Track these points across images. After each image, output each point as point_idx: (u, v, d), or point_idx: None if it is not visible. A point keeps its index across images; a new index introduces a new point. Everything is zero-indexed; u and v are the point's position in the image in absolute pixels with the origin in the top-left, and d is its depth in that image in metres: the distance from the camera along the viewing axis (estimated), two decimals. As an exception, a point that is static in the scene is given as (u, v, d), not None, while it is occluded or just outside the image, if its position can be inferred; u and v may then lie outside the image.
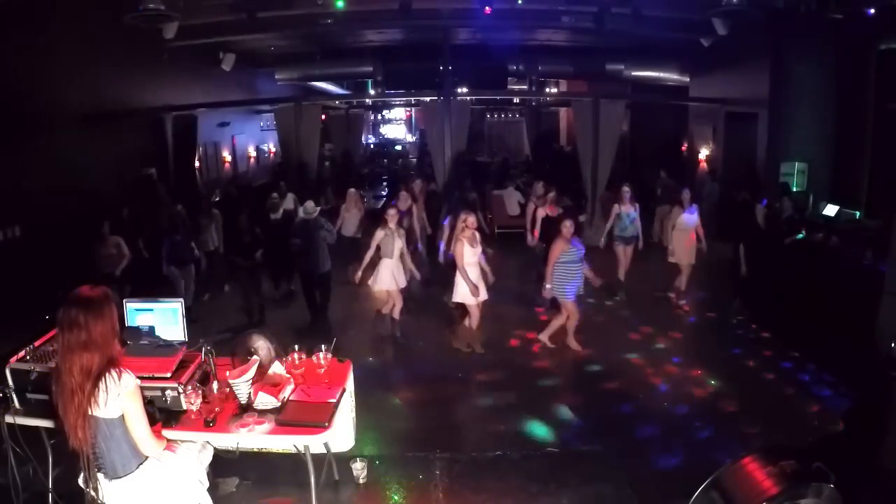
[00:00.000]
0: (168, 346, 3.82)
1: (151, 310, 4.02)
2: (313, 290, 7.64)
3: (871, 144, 9.76)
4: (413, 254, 7.92)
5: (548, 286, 6.74)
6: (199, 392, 3.67)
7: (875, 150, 9.71)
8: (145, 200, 10.18)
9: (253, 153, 17.57)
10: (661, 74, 14.04)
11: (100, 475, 2.97)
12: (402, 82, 16.12)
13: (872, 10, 8.57)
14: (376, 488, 4.39)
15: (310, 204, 7.63)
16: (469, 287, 6.54)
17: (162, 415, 3.48)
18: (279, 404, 3.68)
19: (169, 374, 3.59)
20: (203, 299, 8.69)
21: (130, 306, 4.01)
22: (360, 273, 6.99)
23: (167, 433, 3.42)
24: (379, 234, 6.92)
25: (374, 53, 15.15)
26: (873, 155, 9.74)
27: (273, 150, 18.55)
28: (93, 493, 3.00)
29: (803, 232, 8.31)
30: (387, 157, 24.60)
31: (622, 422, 5.47)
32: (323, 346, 4.20)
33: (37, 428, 3.65)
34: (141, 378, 3.02)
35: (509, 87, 18.03)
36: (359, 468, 4.40)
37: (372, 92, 19.04)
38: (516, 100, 21.45)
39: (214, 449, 3.75)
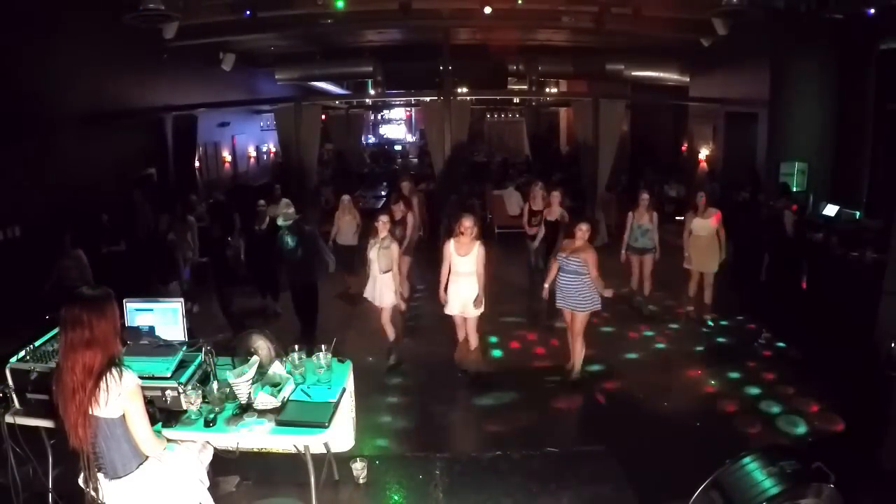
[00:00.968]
0: (168, 346, 3.82)
1: (151, 310, 4.02)
2: (299, 302, 7.22)
3: (871, 144, 9.76)
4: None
5: (545, 285, 6.37)
6: (199, 392, 3.68)
7: (875, 150, 9.72)
8: (129, 205, 9.68)
9: (253, 153, 17.57)
10: (661, 74, 14.04)
11: (100, 475, 2.97)
12: (402, 82, 16.14)
13: (872, 10, 8.57)
14: (376, 488, 4.39)
15: (288, 210, 7.18)
16: (441, 292, 6.10)
17: (162, 415, 3.48)
18: (279, 404, 3.68)
19: (169, 374, 3.59)
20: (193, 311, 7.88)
21: (130, 306, 4.02)
22: (364, 289, 6.56)
23: (167, 433, 3.42)
24: (368, 245, 6.48)
25: (374, 53, 15.15)
26: (873, 155, 9.74)
27: (273, 150, 18.56)
28: (93, 493, 3.00)
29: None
30: (387, 157, 24.58)
31: (622, 422, 5.48)
32: (323, 346, 4.20)
33: (37, 428, 3.66)
34: (141, 378, 3.03)
35: (509, 87, 18.03)
36: (359, 468, 4.40)
37: (372, 92, 19.05)
38: (516, 100, 21.44)
39: (214, 449, 3.75)
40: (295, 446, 3.69)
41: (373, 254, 6.33)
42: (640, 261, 7.95)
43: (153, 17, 8.22)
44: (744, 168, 11.30)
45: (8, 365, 3.62)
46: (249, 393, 3.71)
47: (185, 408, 3.59)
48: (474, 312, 6.06)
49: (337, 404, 3.77)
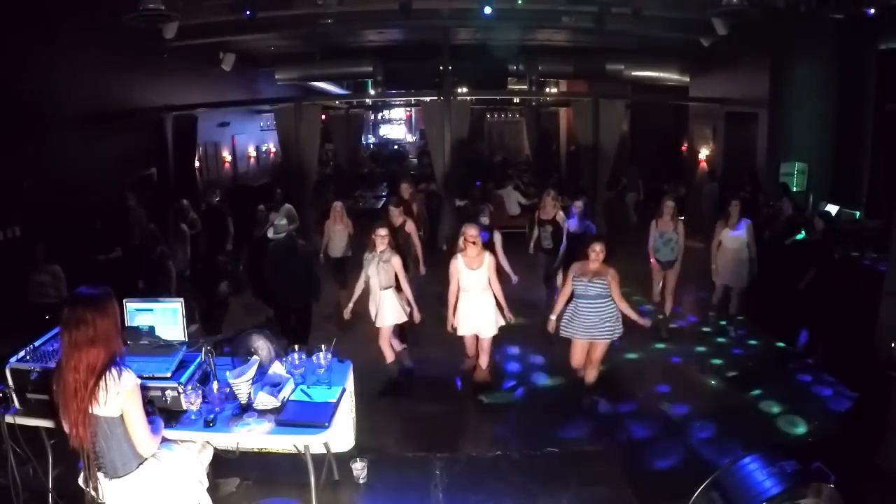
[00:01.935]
0: (168, 346, 3.83)
1: (151, 310, 4.03)
2: (288, 322, 6.65)
3: (871, 144, 9.75)
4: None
5: (552, 317, 5.61)
6: (199, 392, 3.68)
7: (875, 150, 9.71)
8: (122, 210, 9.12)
9: (253, 153, 17.57)
10: (661, 74, 14.04)
11: (100, 475, 2.97)
12: (402, 82, 16.12)
13: (872, 10, 8.56)
14: (376, 488, 4.40)
15: (281, 223, 6.64)
16: (449, 315, 5.66)
17: (162, 415, 3.48)
18: (279, 404, 3.68)
19: (169, 374, 3.59)
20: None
21: (130, 306, 4.02)
22: (350, 307, 5.91)
23: (167, 433, 3.42)
24: (364, 259, 5.86)
25: (374, 53, 15.14)
26: (873, 155, 9.73)
27: (273, 150, 18.55)
28: (93, 492, 3.01)
29: (803, 232, 8.26)
30: (387, 157, 24.59)
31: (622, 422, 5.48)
32: (323, 346, 4.20)
33: (37, 428, 3.66)
34: (141, 378, 3.03)
35: (509, 87, 18.02)
36: (359, 468, 4.40)
37: (372, 92, 19.04)
38: (516, 100, 21.45)
39: (214, 449, 3.76)
40: (295, 446, 3.69)
41: (372, 270, 5.70)
42: (664, 274, 7.28)
43: (153, 17, 8.21)
44: (744, 168, 11.29)
45: (8, 365, 3.62)
46: (249, 393, 3.72)
47: (185, 408, 3.59)
48: (489, 332, 5.69)
49: (337, 404, 3.77)
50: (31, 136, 8.06)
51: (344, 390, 4.00)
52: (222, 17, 10.00)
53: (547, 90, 20.15)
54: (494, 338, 5.89)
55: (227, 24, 10.24)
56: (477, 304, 5.64)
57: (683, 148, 14.54)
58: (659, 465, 4.76)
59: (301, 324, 6.65)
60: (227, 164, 15.52)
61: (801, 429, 5.27)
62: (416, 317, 5.94)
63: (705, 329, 7.67)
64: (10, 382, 3.60)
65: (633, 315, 5.47)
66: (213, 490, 3.72)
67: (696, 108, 13.30)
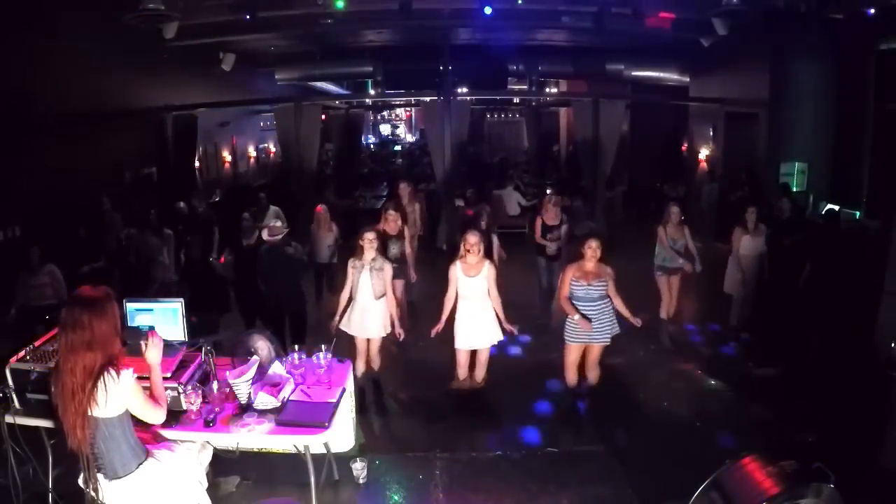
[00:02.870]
0: (168, 346, 3.82)
1: (151, 310, 4.03)
2: (282, 330, 6.31)
3: (871, 144, 9.75)
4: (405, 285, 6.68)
5: (576, 317, 5.22)
6: (199, 392, 3.68)
7: (875, 150, 9.71)
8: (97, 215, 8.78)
9: (253, 153, 17.57)
10: (661, 74, 14.04)
11: (99, 475, 2.97)
12: (402, 82, 16.11)
13: (872, 10, 8.57)
14: (376, 488, 4.40)
15: (276, 225, 6.42)
16: (441, 321, 5.40)
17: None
18: (279, 404, 3.69)
19: (169, 374, 3.59)
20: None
21: (130, 306, 4.02)
22: (337, 319, 5.45)
23: (167, 433, 3.42)
24: (349, 265, 5.48)
25: (374, 53, 15.14)
26: (873, 155, 9.74)
27: (273, 150, 18.56)
28: (93, 493, 3.00)
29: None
30: (387, 156, 24.59)
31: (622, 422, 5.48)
32: (323, 346, 4.20)
33: (37, 428, 3.66)
34: (141, 378, 3.02)
35: (509, 87, 18.02)
36: (359, 468, 4.40)
37: (372, 92, 19.04)
38: (516, 100, 21.45)
39: (214, 449, 3.76)
40: (295, 446, 3.69)
41: (364, 279, 5.36)
42: (669, 282, 6.99)
43: (153, 17, 8.21)
44: (744, 168, 11.30)
45: (8, 365, 3.62)
46: (249, 393, 3.72)
47: (185, 408, 3.59)
48: (488, 343, 5.47)
49: (337, 404, 3.77)
50: (32, 136, 8.06)
51: (344, 390, 4.01)
52: (222, 17, 10.00)
53: (547, 90, 20.15)
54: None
55: (227, 24, 10.23)
56: (476, 312, 5.40)
57: (683, 148, 14.54)
58: (659, 465, 4.75)
59: (297, 327, 6.43)
60: (226, 165, 15.52)
61: (801, 429, 5.27)
62: (400, 331, 5.56)
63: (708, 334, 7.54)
64: (10, 382, 3.60)
65: (626, 312, 5.31)
66: (213, 490, 3.72)
67: (696, 108, 13.30)
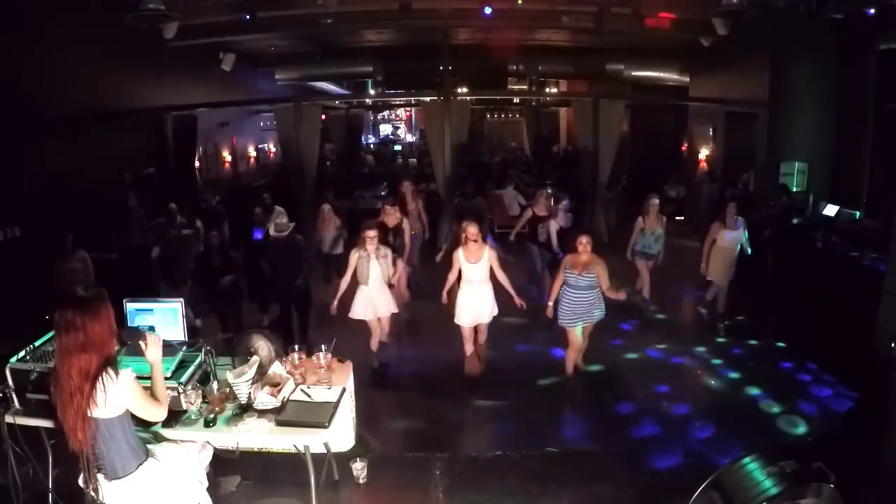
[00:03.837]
0: (168, 346, 3.82)
1: (151, 310, 4.03)
2: (290, 314, 6.95)
3: (871, 144, 9.75)
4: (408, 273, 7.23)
5: (549, 303, 6.05)
6: (199, 392, 3.68)
7: (875, 150, 9.71)
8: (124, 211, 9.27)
9: (253, 153, 17.57)
10: (661, 74, 14.04)
11: (100, 476, 2.97)
12: (402, 82, 16.11)
13: (872, 10, 8.57)
14: (376, 488, 4.40)
15: (282, 220, 6.96)
16: (443, 294, 6.04)
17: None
18: (279, 404, 3.69)
19: (169, 375, 3.59)
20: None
21: (130, 306, 4.02)
22: (335, 302, 6.03)
23: (167, 433, 3.43)
24: (353, 256, 6.02)
25: (374, 53, 15.14)
26: (873, 155, 9.73)
27: (273, 150, 18.56)
28: (93, 493, 3.00)
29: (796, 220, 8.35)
30: (387, 156, 24.57)
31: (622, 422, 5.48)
32: (323, 346, 4.20)
33: (37, 428, 3.66)
34: (141, 378, 3.03)
35: (509, 87, 18.02)
36: (359, 468, 4.40)
37: (372, 92, 19.03)
38: (516, 100, 21.44)
39: (214, 449, 3.76)
40: (295, 446, 3.69)
41: (373, 267, 5.95)
42: (648, 265, 7.87)
43: (153, 17, 8.21)
44: (744, 168, 11.30)
45: (8, 365, 3.62)
46: (249, 393, 3.72)
47: (185, 408, 3.60)
48: (487, 318, 5.97)
49: (337, 404, 3.77)
50: (31, 136, 8.05)
51: (344, 390, 4.00)
52: (222, 17, 10.00)
53: (547, 90, 20.15)
54: (492, 336, 6.18)
55: (227, 24, 10.23)
56: (478, 294, 5.89)
57: (683, 148, 14.54)
58: (659, 465, 4.76)
59: (303, 314, 6.95)
60: (226, 164, 15.52)
61: (801, 429, 5.28)
62: (384, 311, 6.20)
63: (702, 329, 7.70)
64: (10, 382, 3.60)
65: (611, 294, 5.91)
66: (213, 490, 3.72)
67: (696, 108, 13.30)
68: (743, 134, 11.40)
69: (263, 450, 4.16)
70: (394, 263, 6.31)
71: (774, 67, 10.34)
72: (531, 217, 8.17)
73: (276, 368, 4.00)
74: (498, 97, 19.40)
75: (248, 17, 9.52)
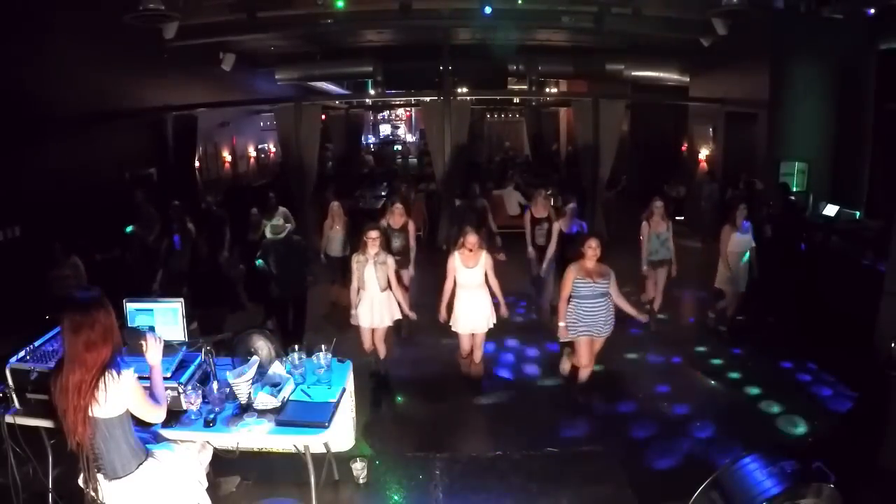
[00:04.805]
0: (168, 346, 3.82)
1: (151, 310, 4.02)
2: (286, 317, 6.81)
3: (871, 144, 9.77)
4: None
5: (561, 324, 5.53)
6: (199, 392, 3.68)
7: (875, 150, 9.73)
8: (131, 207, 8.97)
9: (253, 153, 17.58)
10: (661, 74, 14.04)
11: (99, 475, 2.97)
12: (402, 82, 16.11)
13: (872, 10, 8.58)
14: (376, 488, 4.39)
15: (278, 222, 6.83)
16: (442, 308, 5.79)
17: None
18: (279, 404, 3.68)
19: (169, 375, 3.59)
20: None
21: (130, 306, 4.02)
22: (353, 312, 5.87)
23: (167, 433, 3.43)
24: (354, 261, 5.81)
25: (374, 53, 15.15)
26: (873, 155, 9.76)
27: (273, 150, 18.56)
28: (93, 493, 3.01)
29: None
30: (387, 156, 24.57)
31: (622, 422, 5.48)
32: (323, 346, 4.20)
33: (37, 428, 3.66)
34: (141, 378, 3.03)
35: (509, 87, 18.02)
36: (359, 468, 4.40)
37: (372, 92, 19.04)
38: (516, 100, 21.44)
39: (214, 449, 3.76)
40: (295, 446, 3.69)
41: (369, 273, 5.68)
42: (656, 274, 7.33)
43: (153, 17, 8.21)
44: (744, 168, 11.30)
45: (8, 365, 3.62)
46: (249, 393, 3.72)
47: (185, 408, 3.60)
48: (484, 328, 5.77)
49: (337, 404, 3.77)
50: (31, 136, 8.06)
51: (344, 390, 4.00)
52: (222, 17, 10.01)
53: (547, 90, 20.15)
54: (491, 335, 6.03)
55: (227, 24, 10.24)
56: (474, 300, 5.73)
57: (683, 148, 14.54)
58: (659, 465, 4.76)
59: (299, 315, 6.82)
60: (227, 165, 15.52)
61: (801, 429, 5.28)
62: (412, 314, 6.01)
63: (703, 329, 7.62)
64: (10, 382, 3.60)
65: (631, 310, 5.60)
66: (213, 490, 3.72)
67: (696, 108, 13.30)
68: (743, 134, 11.41)
69: (263, 450, 4.15)
70: (398, 273, 6.02)
71: (774, 67, 10.35)
72: (530, 218, 7.76)
73: (276, 368, 4.00)
74: (498, 97, 19.38)
75: (248, 16, 9.50)
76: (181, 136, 12.09)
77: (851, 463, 3.73)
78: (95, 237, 8.01)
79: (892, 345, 4.62)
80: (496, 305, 5.84)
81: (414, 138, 27.47)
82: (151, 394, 3.06)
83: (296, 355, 4.14)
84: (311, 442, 3.61)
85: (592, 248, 5.32)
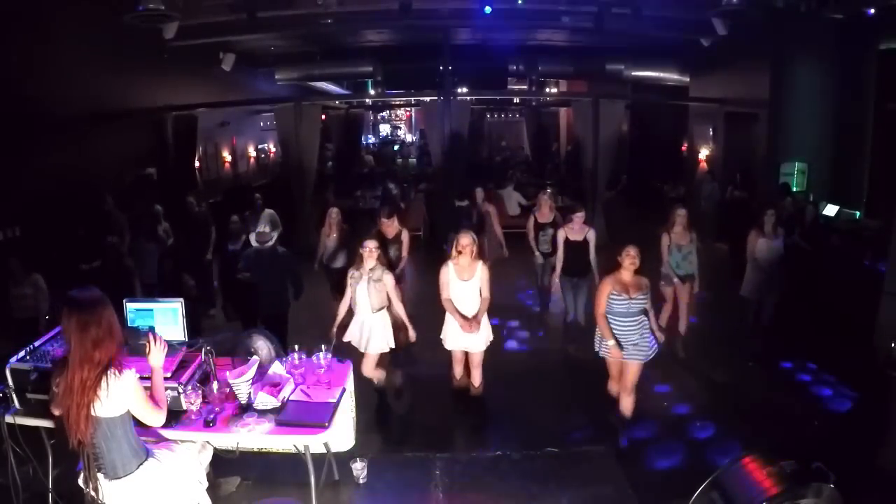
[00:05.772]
0: (168, 347, 3.82)
1: (151, 311, 4.03)
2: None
3: (871, 144, 9.77)
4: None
5: (610, 342, 4.74)
6: (199, 392, 3.68)
7: (875, 150, 9.73)
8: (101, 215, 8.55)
9: (253, 153, 17.57)
10: (661, 74, 14.04)
11: (100, 475, 2.97)
12: (402, 82, 16.12)
13: (872, 10, 8.58)
14: (376, 488, 4.39)
15: (264, 229, 6.15)
16: (455, 324, 5.12)
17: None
18: (279, 404, 3.69)
19: (169, 374, 3.60)
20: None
21: (130, 306, 4.03)
22: (334, 329, 5.17)
23: (167, 433, 3.43)
24: (349, 277, 5.24)
25: (374, 53, 15.14)
26: (873, 155, 9.75)
27: (273, 150, 18.56)
28: (93, 493, 3.01)
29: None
30: (387, 156, 24.57)
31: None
32: (323, 346, 4.20)
33: (37, 428, 3.66)
34: (141, 378, 3.03)
35: (509, 87, 18.03)
36: (359, 468, 4.41)
37: (372, 92, 19.05)
38: (516, 100, 21.45)
39: (214, 449, 3.76)
40: (295, 446, 3.69)
41: (361, 290, 5.11)
42: (677, 291, 6.46)
43: (153, 17, 8.20)
44: (744, 168, 11.31)
45: (8, 365, 3.63)
46: (249, 393, 3.72)
47: (185, 408, 3.60)
48: (480, 347, 5.23)
49: (337, 404, 3.77)
50: (32, 137, 8.05)
51: (344, 390, 4.01)
52: (222, 17, 10.00)
53: (547, 90, 20.16)
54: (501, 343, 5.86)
55: (227, 24, 10.23)
56: (466, 312, 5.14)
57: (683, 148, 14.54)
58: (659, 465, 4.76)
59: (279, 330, 5.91)
60: (226, 165, 15.52)
61: (802, 428, 5.27)
62: (412, 335, 5.38)
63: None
64: (10, 382, 3.61)
65: (654, 326, 4.97)
66: (213, 490, 3.72)
67: (696, 108, 13.30)
68: (743, 134, 11.41)
69: (263, 450, 4.15)
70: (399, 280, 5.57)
71: (774, 67, 10.35)
72: (534, 224, 7.44)
73: (276, 368, 4.00)
74: (498, 97, 19.39)
75: (248, 16, 9.48)
76: (181, 136, 12.09)
77: (851, 463, 3.72)
78: (80, 246, 7.73)
79: (892, 345, 4.63)
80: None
81: (414, 138, 27.47)
82: (152, 396, 3.05)
83: (296, 355, 4.14)
84: (311, 442, 3.61)
85: (631, 257, 4.65)
